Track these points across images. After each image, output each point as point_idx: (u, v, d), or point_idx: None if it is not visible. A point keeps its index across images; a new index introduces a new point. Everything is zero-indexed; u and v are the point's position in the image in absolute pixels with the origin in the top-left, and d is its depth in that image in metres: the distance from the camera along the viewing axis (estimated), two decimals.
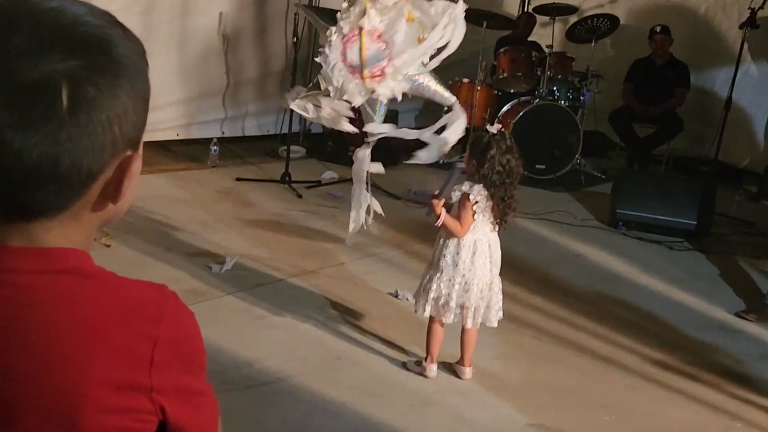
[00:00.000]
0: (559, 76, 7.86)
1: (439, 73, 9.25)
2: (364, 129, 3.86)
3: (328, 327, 3.89)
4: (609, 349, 4.04)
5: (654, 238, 6.12)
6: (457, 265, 3.39)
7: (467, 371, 3.55)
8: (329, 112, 3.74)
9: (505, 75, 7.94)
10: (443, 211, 3.36)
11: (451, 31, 3.64)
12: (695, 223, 6.24)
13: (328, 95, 3.73)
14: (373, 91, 3.67)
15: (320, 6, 6.65)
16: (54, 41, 0.85)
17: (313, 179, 6.62)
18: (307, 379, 3.37)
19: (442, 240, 3.46)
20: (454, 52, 8.66)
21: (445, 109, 4.11)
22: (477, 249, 3.41)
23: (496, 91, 8.10)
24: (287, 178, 6.45)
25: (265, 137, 7.73)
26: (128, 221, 4.94)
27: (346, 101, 3.72)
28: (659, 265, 5.51)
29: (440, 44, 3.69)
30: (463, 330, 3.51)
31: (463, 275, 3.39)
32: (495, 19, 7.93)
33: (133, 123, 0.93)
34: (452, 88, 8.04)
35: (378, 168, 3.97)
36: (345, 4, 3.75)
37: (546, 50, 7.84)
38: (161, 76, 6.66)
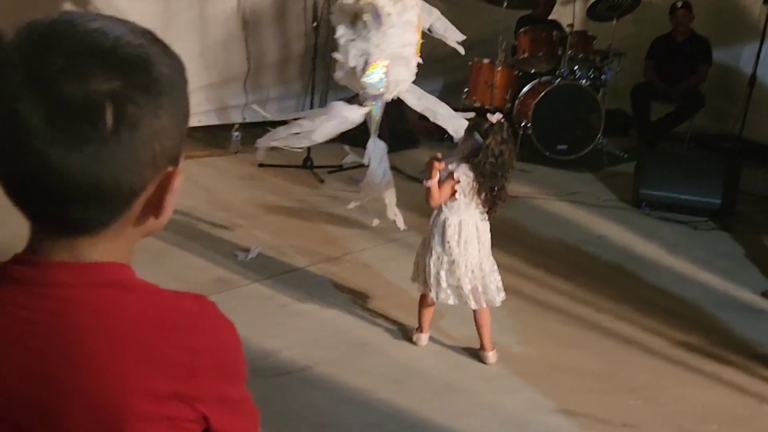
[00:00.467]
0: (580, 56, 7.79)
1: (459, 54, 9.24)
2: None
3: (352, 314, 3.91)
4: (634, 332, 4.04)
5: (678, 218, 6.08)
6: (443, 246, 3.44)
7: (490, 356, 3.57)
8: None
9: (526, 55, 7.88)
10: (436, 174, 3.39)
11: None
12: (720, 201, 6.18)
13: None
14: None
15: None
16: (96, 61, 0.86)
17: (335, 164, 6.61)
18: (333, 367, 3.40)
19: (431, 218, 3.53)
20: (474, 33, 8.64)
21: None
22: (463, 230, 3.45)
23: (516, 72, 8.04)
24: (309, 163, 6.46)
25: (286, 122, 7.72)
26: None
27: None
28: (683, 245, 5.48)
29: None
30: (473, 313, 3.54)
31: (450, 255, 3.43)
32: None
33: (174, 139, 0.94)
34: (472, 69, 8.03)
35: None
36: None
37: (567, 29, 7.78)
38: (184, 63, 6.69)
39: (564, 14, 8.58)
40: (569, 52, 7.68)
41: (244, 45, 7.19)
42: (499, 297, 3.54)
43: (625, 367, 3.68)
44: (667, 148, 8.22)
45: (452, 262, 3.43)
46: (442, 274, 3.45)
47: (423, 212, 3.70)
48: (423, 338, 3.66)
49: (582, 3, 8.57)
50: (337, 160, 6.72)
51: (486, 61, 7.96)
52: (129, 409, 0.91)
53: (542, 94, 7.49)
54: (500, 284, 3.55)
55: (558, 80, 7.62)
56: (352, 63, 3.77)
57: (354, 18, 3.73)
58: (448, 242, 3.43)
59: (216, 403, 0.98)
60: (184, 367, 0.94)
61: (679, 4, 8.17)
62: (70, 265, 0.93)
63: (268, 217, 5.24)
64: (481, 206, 3.45)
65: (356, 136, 7.28)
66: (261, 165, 6.49)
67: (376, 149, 4.11)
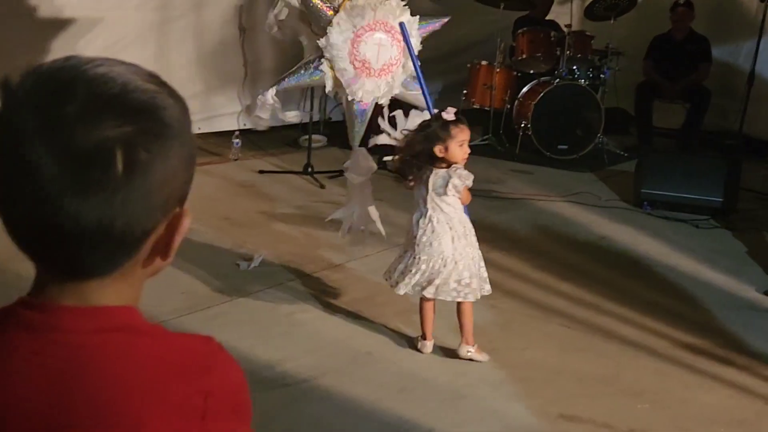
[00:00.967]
0: (579, 55, 7.80)
1: (458, 55, 9.23)
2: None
3: (356, 322, 3.91)
4: (638, 334, 4.03)
5: (680, 217, 6.07)
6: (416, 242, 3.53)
7: (462, 349, 3.62)
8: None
9: (525, 56, 7.89)
10: None
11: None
12: (721, 199, 6.18)
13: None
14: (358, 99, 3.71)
15: None
16: (107, 108, 0.87)
17: (335, 169, 6.62)
18: (338, 377, 3.40)
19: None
20: (471, 34, 8.61)
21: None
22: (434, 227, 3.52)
23: (515, 73, 8.05)
24: (309, 169, 6.46)
25: (286, 127, 7.72)
26: None
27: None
28: (686, 245, 5.48)
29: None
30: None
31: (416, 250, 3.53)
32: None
33: (183, 181, 0.95)
34: (471, 71, 8.04)
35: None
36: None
37: (565, 29, 7.79)
38: (180, 70, 6.69)
39: (562, 14, 8.60)
40: (568, 52, 7.69)
41: (240, 51, 7.20)
42: (468, 293, 3.56)
43: (630, 369, 3.68)
44: (666, 147, 8.22)
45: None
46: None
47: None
48: (428, 345, 3.66)
49: (579, 3, 8.58)
50: (337, 165, 6.73)
51: (484, 62, 7.97)
52: None
53: (541, 94, 7.50)
54: (466, 282, 3.53)
55: (557, 80, 7.64)
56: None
57: None
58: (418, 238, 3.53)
59: None
60: (197, 408, 0.94)
61: (681, 1, 8.17)
62: (79, 310, 0.93)
63: (270, 225, 5.25)
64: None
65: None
66: (261, 171, 6.50)
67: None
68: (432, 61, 8.68)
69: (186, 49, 6.72)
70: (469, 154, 3.51)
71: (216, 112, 7.14)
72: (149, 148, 0.89)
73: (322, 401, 3.24)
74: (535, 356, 3.76)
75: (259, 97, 3.91)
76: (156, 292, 4.02)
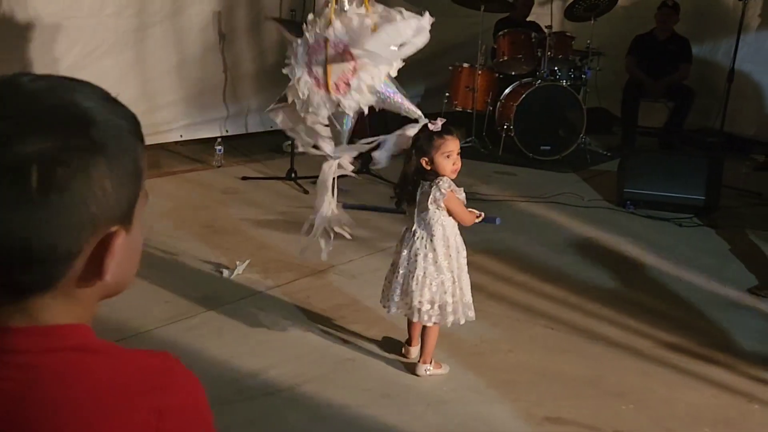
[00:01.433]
0: (560, 56, 7.83)
1: (440, 58, 9.21)
2: (329, 152, 3.78)
3: (340, 328, 3.90)
4: (622, 335, 4.04)
5: (663, 216, 6.10)
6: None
7: (420, 368, 3.55)
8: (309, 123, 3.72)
9: (506, 58, 7.91)
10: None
11: (418, 43, 3.60)
12: (704, 198, 6.21)
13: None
14: (338, 104, 3.63)
15: (289, 18, 6.63)
16: (34, 123, 0.86)
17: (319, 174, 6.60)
18: (321, 384, 3.38)
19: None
20: (453, 37, 8.62)
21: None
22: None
23: (497, 75, 8.07)
24: (293, 175, 6.45)
25: (268, 132, 7.72)
26: None
27: (312, 114, 3.69)
28: (669, 244, 5.50)
29: (406, 55, 3.65)
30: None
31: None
32: (492, 1, 7.88)
33: (116, 200, 0.92)
34: (452, 73, 8.05)
35: (345, 166, 3.88)
36: (311, 16, 3.71)
37: (545, 30, 7.81)
38: (159, 78, 6.67)
39: (542, 16, 8.62)
40: (549, 53, 7.72)
41: (220, 57, 7.18)
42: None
43: (614, 370, 3.68)
44: (649, 146, 8.26)
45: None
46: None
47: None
48: (413, 351, 3.65)
49: (560, 4, 8.60)
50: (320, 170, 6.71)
51: (466, 65, 7.99)
52: None
53: (523, 95, 7.52)
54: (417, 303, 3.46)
55: (539, 81, 7.66)
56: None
57: None
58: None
59: None
60: (149, 428, 0.92)
61: (670, 2, 8.23)
62: (28, 330, 0.92)
63: (253, 232, 5.23)
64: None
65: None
66: (245, 178, 6.49)
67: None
68: (414, 65, 8.68)
69: (165, 56, 6.69)
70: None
71: (198, 119, 7.13)
72: (68, 164, 0.86)
73: (305, 409, 3.22)
74: (519, 359, 3.75)
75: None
76: (139, 302, 4.01)
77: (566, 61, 7.90)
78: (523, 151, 7.60)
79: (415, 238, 3.43)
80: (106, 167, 0.90)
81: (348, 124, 3.78)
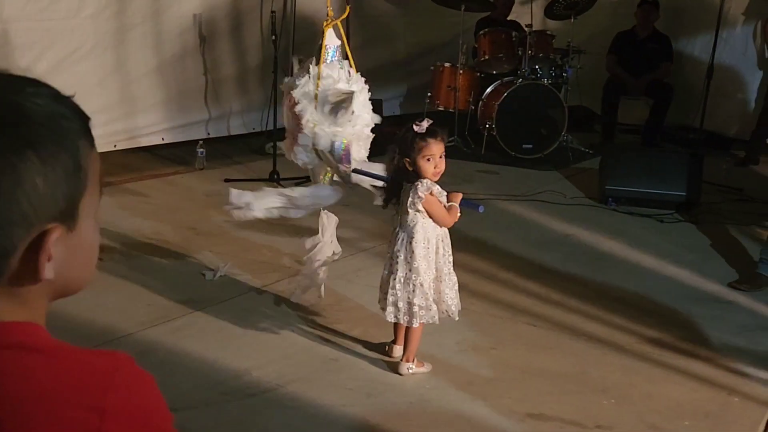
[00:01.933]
0: (541, 55, 7.86)
1: (421, 58, 9.24)
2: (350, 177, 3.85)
3: (323, 329, 3.91)
4: (605, 331, 4.06)
5: (644, 212, 6.14)
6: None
7: (402, 367, 3.54)
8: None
9: (487, 57, 7.94)
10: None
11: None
12: (685, 194, 6.25)
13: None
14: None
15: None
16: None
17: (302, 175, 6.59)
18: (306, 384, 3.39)
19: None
20: (434, 37, 8.63)
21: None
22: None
23: (478, 74, 8.09)
24: (276, 176, 6.45)
25: (251, 135, 7.71)
26: (119, 232, 4.94)
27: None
28: (650, 240, 5.54)
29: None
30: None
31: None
32: (473, 1, 7.91)
33: (51, 198, 0.92)
34: (434, 73, 8.07)
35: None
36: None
37: (526, 29, 7.84)
38: (140, 80, 6.64)
39: (522, 15, 8.65)
40: (529, 51, 7.75)
41: (201, 59, 7.16)
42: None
43: (597, 366, 3.70)
44: (629, 143, 8.31)
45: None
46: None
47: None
48: (397, 350, 3.66)
49: (540, 3, 8.64)
50: (304, 172, 6.72)
51: (447, 64, 8.01)
52: None
53: (505, 94, 7.54)
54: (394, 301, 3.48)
55: (520, 80, 7.68)
56: (322, 146, 3.77)
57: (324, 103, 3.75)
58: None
59: None
60: (91, 429, 0.91)
61: None
62: None
63: (236, 233, 5.22)
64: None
65: None
66: (227, 180, 6.47)
67: (330, 219, 4.05)
68: (395, 65, 8.75)
69: (145, 58, 6.67)
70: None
71: (179, 122, 7.09)
72: None
73: (290, 408, 3.23)
74: (502, 356, 3.77)
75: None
76: (121, 305, 4.01)
77: (547, 59, 7.93)
78: (505, 150, 7.63)
79: (397, 239, 3.44)
80: (38, 165, 0.90)
81: (339, 149, 3.84)
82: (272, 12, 6.74)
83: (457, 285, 3.53)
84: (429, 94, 8.01)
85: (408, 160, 3.34)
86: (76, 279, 0.99)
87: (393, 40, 8.69)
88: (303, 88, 3.74)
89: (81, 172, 0.95)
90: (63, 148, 0.93)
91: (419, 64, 8.65)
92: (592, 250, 5.30)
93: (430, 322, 3.45)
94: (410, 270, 3.39)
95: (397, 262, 3.41)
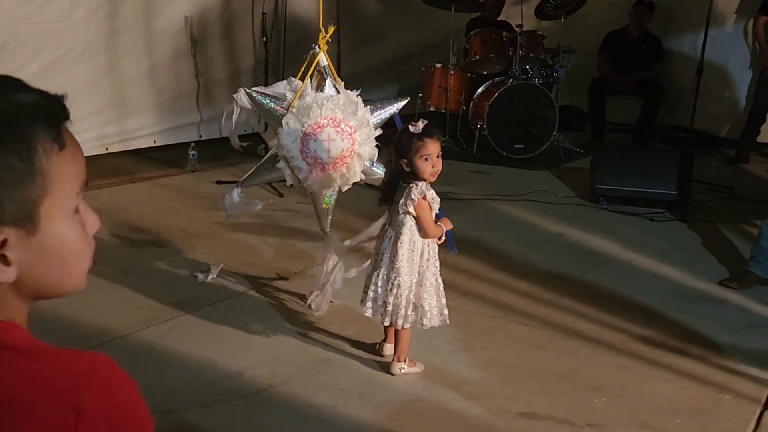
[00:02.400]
0: (531, 55, 7.88)
1: (412, 59, 9.25)
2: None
3: (315, 330, 3.91)
4: (596, 329, 4.07)
5: (635, 211, 6.16)
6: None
7: (394, 367, 3.54)
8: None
9: (478, 57, 7.95)
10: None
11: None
12: (675, 192, 6.28)
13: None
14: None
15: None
16: None
17: None
18: (298, 384, 3.39)
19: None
20: (425, 38, 8.68)
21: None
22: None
23: (469, 74, 8.11)
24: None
25: (243, 136, 7.67)
26: (110, 234, 4.94)
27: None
28: (641, 239, 5.56)
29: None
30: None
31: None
32: (464, 1, 7.92)
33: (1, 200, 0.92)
34: (425, 74, 8.09)
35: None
36: (288, 93, 3.77)
37: (516, 30, 7.85)
38: (132, 82, 6.64)
39: (513, 15, 8.67)
40: (520, 52, 7.76)
41: (192, 62, 7.16)
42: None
43: (588, 365, 3.71)
44: (620, 142, 8.34)
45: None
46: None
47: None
48: (387, 348, 3.66)
49: (531, 4, 8.65)
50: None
51: (438, 65, 8.02)
52: None
53: (496, 94, 7.56)
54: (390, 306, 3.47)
55: (511, 80, 7.70)
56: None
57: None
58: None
59: None
60: (68, 429, 0.91)
61: (646, 0, 8.32)
62: None
63: (228, 235, 5.22)
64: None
65: None
66: (219, 182, 6.48)
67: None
68: (387, 66, 8.76)
69: (137, 60, 6.66)
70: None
71: (171, 124, 7.10)
72: None
73: (282, 409, 3.23)
74: (493, 355, 3.78)
75: (226, 196, 3.93)
76: (113, 307, 4.01)
77: (538, 59, 7.95)
78: (496, 150, 7.64)
79: (385, 237, 3.46)
80: None
81: (331, 200, 3.89)
82: (263, 13, 6.75)
83: (442, 292, 3.50)
84: (420, 94, 8.02)
85: (405, 160, 3.34)
86: (52, 281, 0.99)
87: (384, 42, 8.71)
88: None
89: (38, 175, 0.94)
90: (11, 152, 0.92)
91: (410, 65, 8.67)
92: (583, 250, 5.32)
93: (407, 326, 3.45)
94: (392, 269, 3.40)
95: (381, 260, 3.44)
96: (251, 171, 4.04)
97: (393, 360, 3.54)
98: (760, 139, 8.15)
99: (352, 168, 3.84)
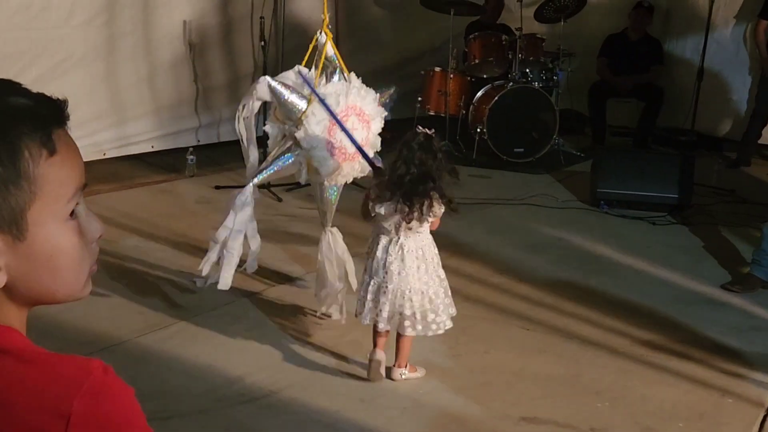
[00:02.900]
0: (531, 58, 7.87)
1: (411, 63, 9.23)
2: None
3: (315, 335, 3.89)
4: (598, 333, 4.06)
5: (636, 215, 6.14)
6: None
7: (395, 372, 3.52)
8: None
9: (477, 61, 7.93)
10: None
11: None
12: (676, 196, 6.26)
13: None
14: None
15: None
16: None
17: (293, 181, 6.57)
18: (299, 390, 3.38)
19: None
20: (424, 42, 8.64)
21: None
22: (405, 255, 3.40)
23: (469, 78, 8.09)
24: (267, 183, 6.42)
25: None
26: (109, 240, 4.92)
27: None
28: (643, 243, 5.54)
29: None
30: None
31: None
32: (462, 5, 7.91)
33: None
34: (424, 78, 8.07)
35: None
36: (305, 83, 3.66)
37: (516, 33, 7.84)
38: (130, 88, 6.63)
39: (512, 18, 8.65)
40: (520, 55, 7.74)
41: (191, 67, 7.15)
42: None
43: (590, 369, 3.70)
44: (621, 146, 8.32)
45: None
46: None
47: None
48: (378, 353, 3.54)
49: (531, 7, 8.64)
50: (294, 178, 6.70)
51: (438, 69, 8.00)
52: None
53: (496, 98, 7.53)
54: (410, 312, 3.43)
55: (511, 84, 7.68)
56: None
57: None
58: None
59: None
60: None
61: (646, 3, 8.30)
62: None
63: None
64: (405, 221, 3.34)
65: None
66: (218, 187, 6.46)
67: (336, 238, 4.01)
68: (386, 70, 8.74)
69: (136, 66, 6.65)
70: None
71: (169, 129, 7.08)
72: None
73: (284, 415, 3.22)
74: (495, 360, 3.76)
75: (238, 195, 3.84)
76: (112, 314, 3.99)
77: (537, 62, 7.93)
78: (496, 154, 7.62)
79: (405, 250, 3.38)
80: None
81: (333, 194, 3.84)
82: (261, 18, 6.73)
83: (447, 289, 3.50)
84: (419, 98, 8.00)
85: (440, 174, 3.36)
86: (45, 287, 0.98)
87: (383, 45, 8.69)
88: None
89: (24, 180, 0.93)
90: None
91: (409, 69, 8.64)
92: (584, 254, 5.30)
93: (413, 334, 3.44)
94: (400, 279, 3.37)
95: (381, 268, 3.41)
96: (262, 165, 3.93)
97: (394, 365, 3.52)
98: (762, 141, 8.14)
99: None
